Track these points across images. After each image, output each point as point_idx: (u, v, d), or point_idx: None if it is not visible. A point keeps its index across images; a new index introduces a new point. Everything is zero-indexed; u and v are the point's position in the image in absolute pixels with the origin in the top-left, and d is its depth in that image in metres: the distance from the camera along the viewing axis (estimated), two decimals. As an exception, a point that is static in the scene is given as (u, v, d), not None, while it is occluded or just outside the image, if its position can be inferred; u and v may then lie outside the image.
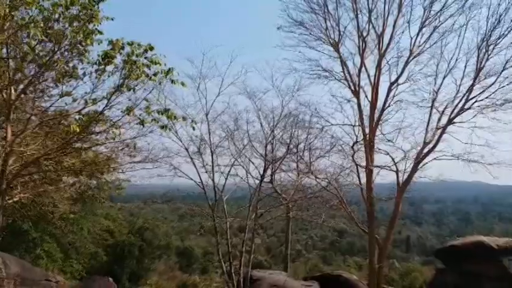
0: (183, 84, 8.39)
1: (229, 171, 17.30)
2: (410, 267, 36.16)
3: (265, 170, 18.17)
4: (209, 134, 16.07)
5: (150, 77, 8.26)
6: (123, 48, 7.94)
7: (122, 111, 8.68)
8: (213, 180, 16.40)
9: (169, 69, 8.02)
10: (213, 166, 16.28)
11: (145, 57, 8.06)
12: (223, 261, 16.44)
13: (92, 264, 26.51)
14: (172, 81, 8.21)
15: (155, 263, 36.26)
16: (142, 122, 8.68)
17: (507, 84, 12.38)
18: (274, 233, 68.32)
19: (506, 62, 12.25)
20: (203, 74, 15.29)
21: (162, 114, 8.49)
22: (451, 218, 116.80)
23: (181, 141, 15.43)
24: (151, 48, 7.97)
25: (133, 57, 8.03)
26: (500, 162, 12.89)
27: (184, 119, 9.04)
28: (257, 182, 18.46)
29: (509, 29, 11.92)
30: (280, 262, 40.44)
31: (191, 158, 15.96)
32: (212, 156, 16.32)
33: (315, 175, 14.77)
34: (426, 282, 22.82)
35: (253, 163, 17.71)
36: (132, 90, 8.45)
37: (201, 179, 16.08)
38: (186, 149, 15.82)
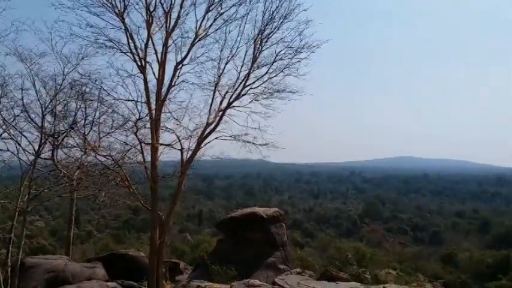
0: None
1: (-6, 146, 14.88)
2: (200, 239, 38.46)
3: (41, 145, 16.31)
4: (-38, 100, 13.29)
5: None
6: None
7: None
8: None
9: None
10: (-33, 138, 13.63)
11: None
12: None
13: None
14: None
15: None
16: None
17: (275, 76, 14.10)
18: (61, 214, 63.00)
19: (276, 56, 13.88)
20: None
21: None
22: (239, 192, 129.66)
23: None
24: None
25: None
26: (269, 144, 14.62)
27: None
28: (32, 158, 16.45)
29: (277, 27, 13.47)
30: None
31: None
32: (-33, 126, 13.62)
33: (97, 152, 13.91)
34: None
35: (25, 137, 15.64)
36: None
37: None
38: None
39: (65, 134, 16.66)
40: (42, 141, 16.14)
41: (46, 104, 16.03)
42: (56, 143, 16.85)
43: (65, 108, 16.63)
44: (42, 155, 16.66)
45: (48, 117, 16.69)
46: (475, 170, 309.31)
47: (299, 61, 13.79)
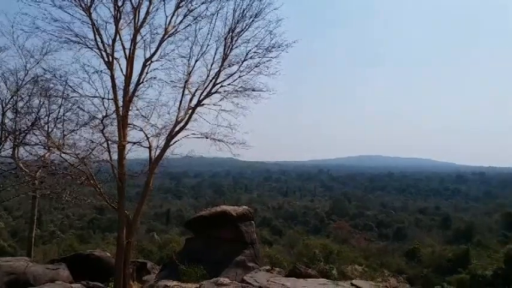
0: None
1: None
2: (168, 239, 38.00)
3: (1, 143, 15.74)
4: None
5: None
6: None
7: None
8: None
9: None
10: None
11: None
12: None
13: None
14: None
15: None
16: None
17: (245, 74, 14.04)
18: (22, 214, 60.74)
19: (247, 54, 13.82)
20: None
21: None
22: (208, 191, 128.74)
23: None
24: None
25: None
26: (238, 142, 14.57)
27: None
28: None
29: (248, 25, 13.43)
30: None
31: None
32: None
33: (61, 150, 13.46)
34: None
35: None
36: None
37: None
38: None
39: (27, 131, 16.10)
40: (2, 138, 15.58)
41: (6, 100, 15.53)
42: (17, 141, 16.27)
43: (27, 104, 16.13)
44: (2, 153, 16.11)
45: (9, 114, 16.18)
46: (437, 168, 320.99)
47: (270, 60, 13.85)
